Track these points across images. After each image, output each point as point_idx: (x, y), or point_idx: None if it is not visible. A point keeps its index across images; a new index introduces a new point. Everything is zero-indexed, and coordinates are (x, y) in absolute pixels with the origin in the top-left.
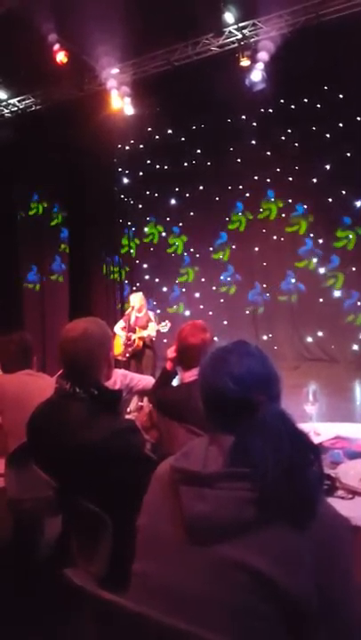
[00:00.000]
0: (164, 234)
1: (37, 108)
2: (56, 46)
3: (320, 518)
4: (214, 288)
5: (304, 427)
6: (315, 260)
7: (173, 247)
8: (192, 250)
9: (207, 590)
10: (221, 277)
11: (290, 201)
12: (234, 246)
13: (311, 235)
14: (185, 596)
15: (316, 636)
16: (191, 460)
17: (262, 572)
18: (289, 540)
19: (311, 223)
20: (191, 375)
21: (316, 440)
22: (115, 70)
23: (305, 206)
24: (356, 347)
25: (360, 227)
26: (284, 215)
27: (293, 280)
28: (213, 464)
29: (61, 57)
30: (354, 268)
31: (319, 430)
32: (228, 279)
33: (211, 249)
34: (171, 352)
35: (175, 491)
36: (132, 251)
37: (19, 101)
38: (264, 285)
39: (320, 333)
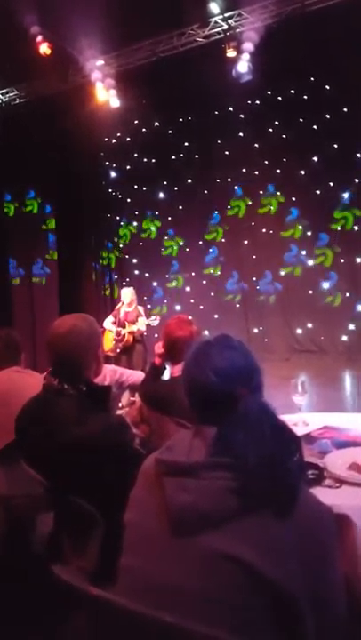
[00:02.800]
0: (154, 228)
1: (22, 101)
2: (39, 38)
3: (302, 507)
4: (204, 282)
5: (293, 417)
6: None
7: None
8: (182, 245)
9: (193, 582)
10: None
11: (285, 197)
12: (224, 239)
13: (303, 231)
14: (171, 588)
15: (303, 626)
16: (175, 453)
17: (246, 562)
18: (272, 530)
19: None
20: (179, 369)
21: (304, 430)
22: (99, 62)
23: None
24: (345, 337)
25: (350, 212)
26: (279, 215)
27: (282, 273)
28: (197, 455)
29: (44, 49)
30: (343, 260)
31: (308, 420)
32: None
33: (201, 242)
34: (158, 347)
35: (160, 483)
36: (121, 245)
37: (2, 94)
38: (253, 279)
39: (310, 325)
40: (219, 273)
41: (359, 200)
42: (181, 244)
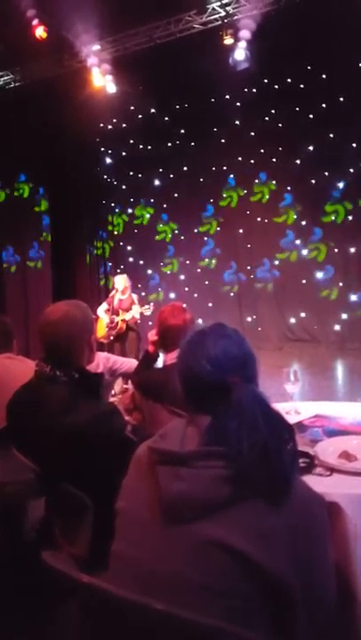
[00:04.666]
0: (148, 215)
1: (17, 85)
2: (35, 21)
3: (295, 496)
4: (199, 270)
5: (285, 406)
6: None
7: (162, 234)
8: (177, 232)
9: (184, 569)
10: (203, 253)
11: (279, 185)
12: (219, 228)
13: (301, 222)
14: (162, 575)
15: (293, 613)
16: (168, 441)
17: (238, 549)
18: (265, 518)
19: (299, 212)
20: (173, 357)
21: (296, 419)
22: (95, 47)
23: (291, 194)
24: (338, 327)
25: (346, 203)
26: (272, 202)
27: (277, 262)
28: (190, 444)
29: (40, 32)
30: (336, 249)
31: (300, 409)
32: (210, 253)
33: (196, 228)
34: (152, 335)
35: (153, 472)
36: (115, 232)
37: None
38: (248, 267)
39: (303, 314)
40: (214, 262)
41: (352, 191)
42: (176, 231)
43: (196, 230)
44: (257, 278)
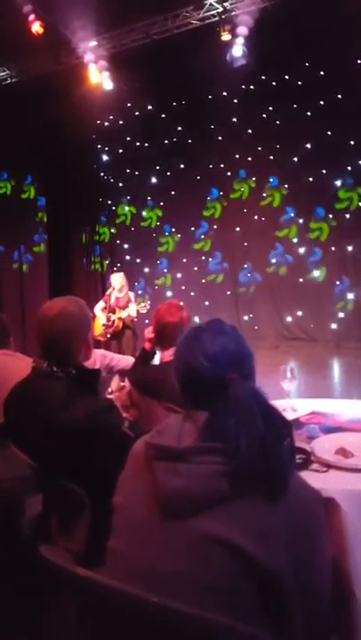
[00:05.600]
0: (144, 213)
1: (13, 81)
2: (31, 17)
3: (292, 491)
4: (196, 269)
5: (282, 403)
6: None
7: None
8: (172, 225)
9: (181, 565)
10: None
11: (271, 179)
12: (215, 227)
13: (289, 208)
14: (159, 571)
15: (290, 609)
16: (165, 437)
17: (235, 545)
18: (262, 514)
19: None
20: (169, 355)
21: (292, 415)
22: (92, 43)
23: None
24: (334, 325)
25: (340, 203)
26: (257, 190)
27: (274, 260)
28: (187, 440)
29: (37, 28)
30: (333, 248)
31: (296, 406)
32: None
33: (193, 228)
34: (148, 332)
35: (150, 467)
36: (112, 230)
37: None
38: (245, 265)
39: (300, 313)
40: (211, 261)
41: (349, 189)
42: (173, 229)
43: (192, 228)
44: (254, 277)
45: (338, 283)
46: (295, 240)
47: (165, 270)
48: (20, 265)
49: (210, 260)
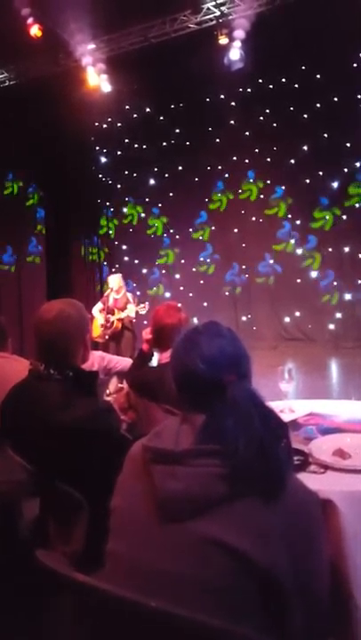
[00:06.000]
0: (143, 214)
1: (11, 83)
2: (30, 19)
3: (290, 493)
4: (194, 269)
5: (279, 404)
6: (293, 242)
7: (153, 229)
8: (172, 231)
9: (180, 567)
10: (201, 258)
11: (268, 182)
12: (213, 227)
13: (290, 216)
14: (158, 574)
15: (289, 610)
16: (163, 439)
17: (235, 547)
18: (260, 515)
19: (290, 205)
20: (167, 356)
21: (290, 417)
22: (90, 46)
23: (283, 187)
24: (332, 326)
25: (337, 207)
26: (263, 196)
27: (271, 261)
28: (185, 442)
29: (35, 30)
30: (330, 249)
31: (294, 407)
32: (208, 260)
33: (191, 230)
34: (146, 334)
35: (147, 470)
36: (110, 232)
37: None
38: (243, 267)
39: (298, 313)
40: (209, 262)
41: (345, 192)
42: (171, 230)
43: (190, 229)
44: (259, 272)
45: (335, 284)
46: (292, 250)
47: (163, 271)
48: (18, 267)
49: (208, 260)
